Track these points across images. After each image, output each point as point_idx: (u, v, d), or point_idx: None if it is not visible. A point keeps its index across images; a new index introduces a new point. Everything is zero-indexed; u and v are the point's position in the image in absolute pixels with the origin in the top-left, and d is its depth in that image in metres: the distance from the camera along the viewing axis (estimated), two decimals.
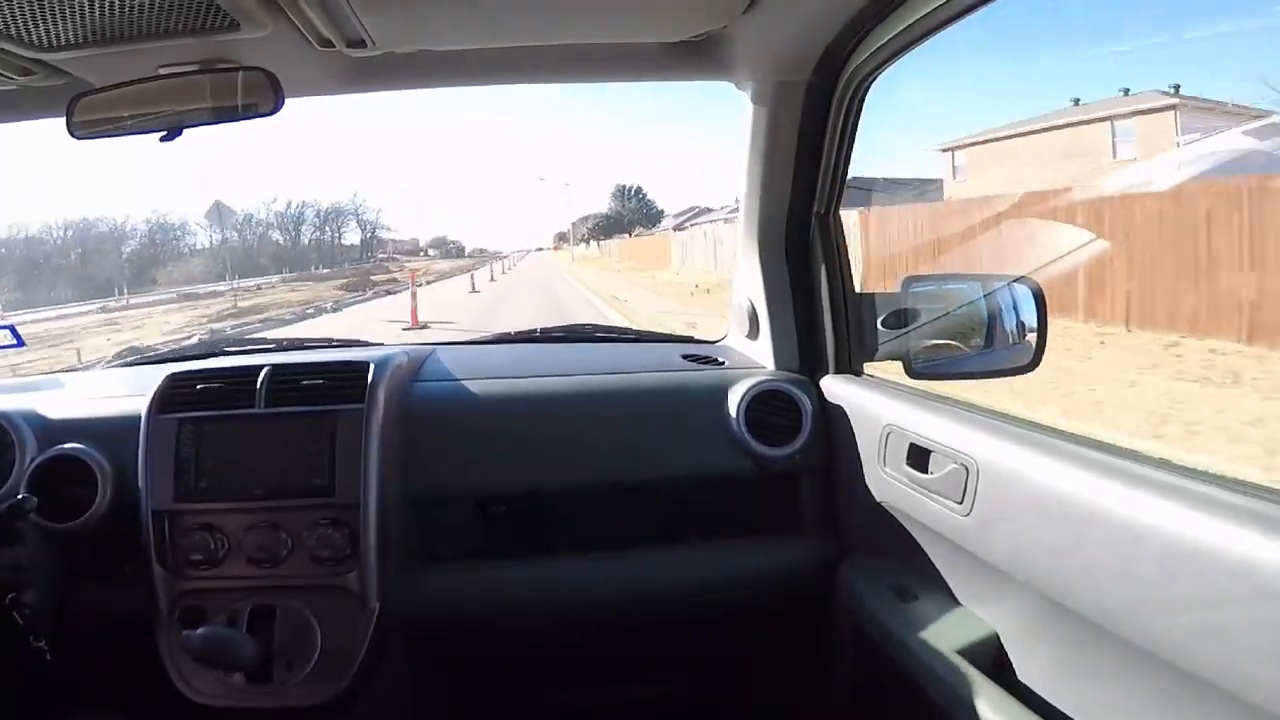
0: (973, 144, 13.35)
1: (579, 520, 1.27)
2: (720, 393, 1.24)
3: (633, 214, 50.30)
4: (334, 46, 0.97)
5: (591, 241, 49.87)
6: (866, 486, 1.10)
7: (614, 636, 1.31)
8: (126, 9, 0.84)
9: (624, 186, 53.55)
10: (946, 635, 0.90)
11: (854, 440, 1.14)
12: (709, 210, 33.67)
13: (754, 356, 1.37)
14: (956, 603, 0.95)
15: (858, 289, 1.25)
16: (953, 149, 13.72)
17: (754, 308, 1.35)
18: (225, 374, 1.16)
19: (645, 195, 53.64)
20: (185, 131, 1.00)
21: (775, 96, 1.14)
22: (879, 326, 1.20)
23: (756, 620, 1.32)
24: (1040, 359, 1.03)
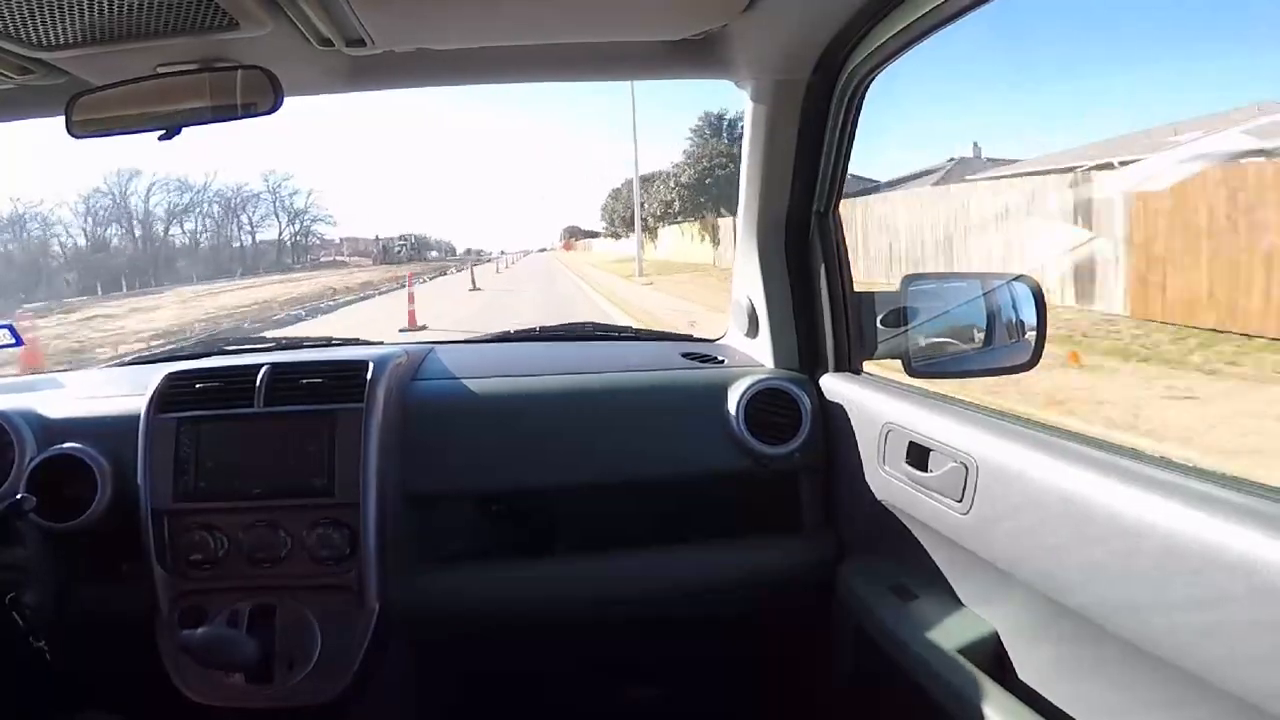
0: None
1: (578, 519, 1.27)
2: (720, 391, 1.24)
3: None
4: (333, 45, 0.97)
5: (665, 223, 23.95)
6: (866, 485, 1.10)
7: (613, 635, 1.32)
8: (125, 8, 0.84)
9: (716, 115, 22.38)
10: (946, 634, 0.90)
11: (854, 439, 1.14)
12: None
13: (753, 355, 1.37)
14: (956, 601, 0.95)
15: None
16: None
17: (753, 306, 1.34)
18: (224, 373, 1.16)
19: None
20: (183, 130, 1.00)
21: (775, 95, 1.14)
22: (878, 325, 1.20)
23: (757, 619, 1.32)
24: (1039, 357, 1.03)
